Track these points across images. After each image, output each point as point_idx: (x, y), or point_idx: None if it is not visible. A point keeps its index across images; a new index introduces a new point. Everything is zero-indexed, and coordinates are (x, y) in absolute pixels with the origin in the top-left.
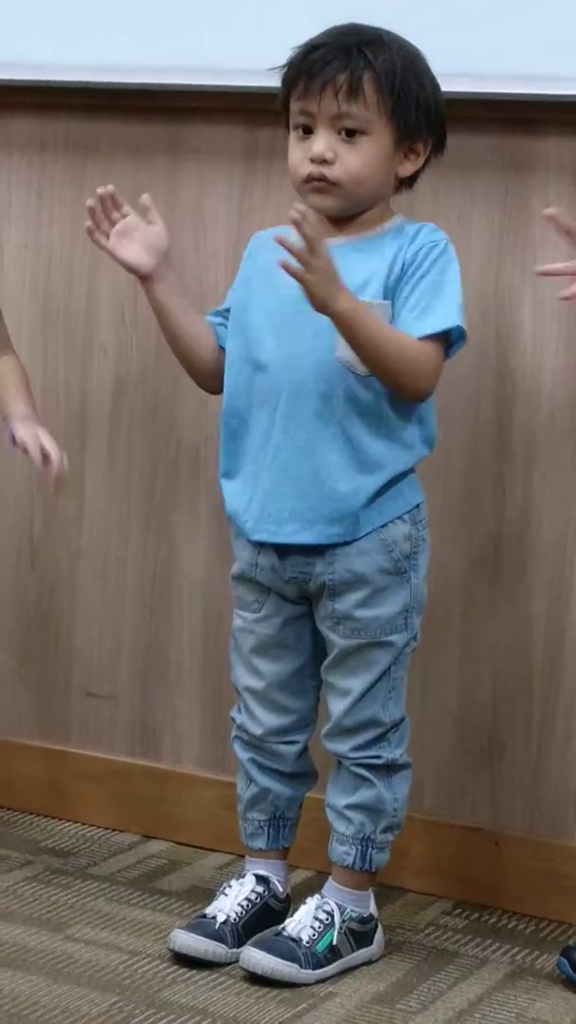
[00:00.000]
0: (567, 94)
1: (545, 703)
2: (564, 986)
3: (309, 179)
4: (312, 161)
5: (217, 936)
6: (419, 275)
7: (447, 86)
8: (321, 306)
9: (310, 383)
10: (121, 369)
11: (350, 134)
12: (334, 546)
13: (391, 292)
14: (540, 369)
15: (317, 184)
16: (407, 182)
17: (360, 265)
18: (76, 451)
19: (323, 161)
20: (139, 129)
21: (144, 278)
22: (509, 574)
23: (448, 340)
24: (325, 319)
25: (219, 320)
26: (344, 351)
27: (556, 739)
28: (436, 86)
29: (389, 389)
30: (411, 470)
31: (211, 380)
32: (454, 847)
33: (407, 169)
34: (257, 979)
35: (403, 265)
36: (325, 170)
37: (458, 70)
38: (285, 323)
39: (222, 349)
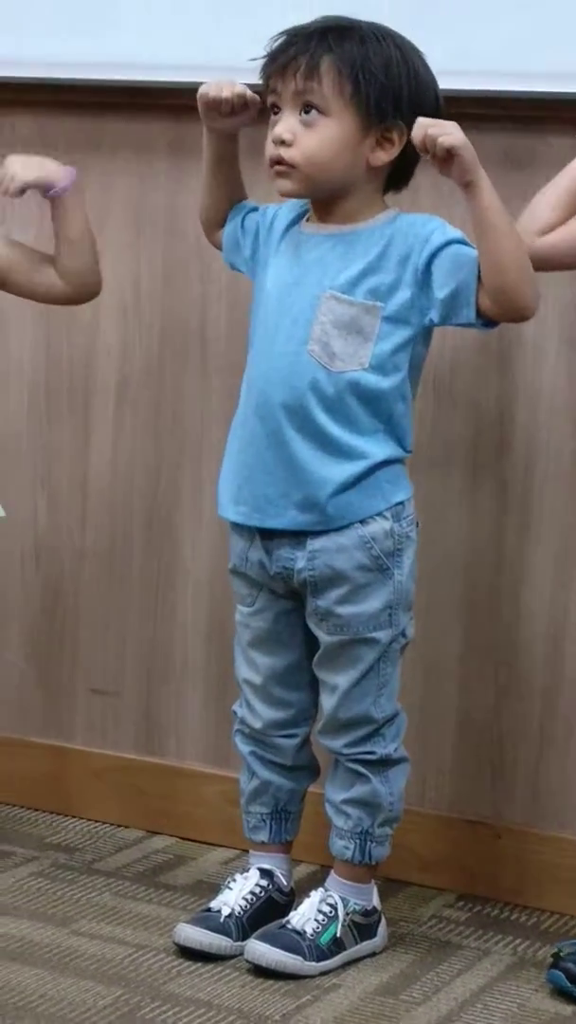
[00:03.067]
0: (572, 91)
1: (547, 697)
2: (562, 997)
3: (272, 163)
4: (274, 143)
5: (222, 929)
6: (443, 248)
7: (454, 84)
8: (473, 168)
9: (283, 372)
10: (125, 368)
11: (308, 111)
12: (314, 538)
13: (385, 295)
14: (541, 365)
15: (278, 168)
16: (397, 178)
17: (343, 260)
18: (80, 449)
19: (282, 143)
20: (142, 127)
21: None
22: (511, 569)
23: None
24: (303, 310)
25: (243, 210)
26: (315, 344)
27: (558, 733)
28: (414, 75)
29: (506, 295)
30: (392, 466)
31: (210, 229)
32: (457, 840)
33: (379, 158)
34: (262, 971)
35: (419, 262)
36: (283, 152)
37: (464, 67)
38: (269, 311)
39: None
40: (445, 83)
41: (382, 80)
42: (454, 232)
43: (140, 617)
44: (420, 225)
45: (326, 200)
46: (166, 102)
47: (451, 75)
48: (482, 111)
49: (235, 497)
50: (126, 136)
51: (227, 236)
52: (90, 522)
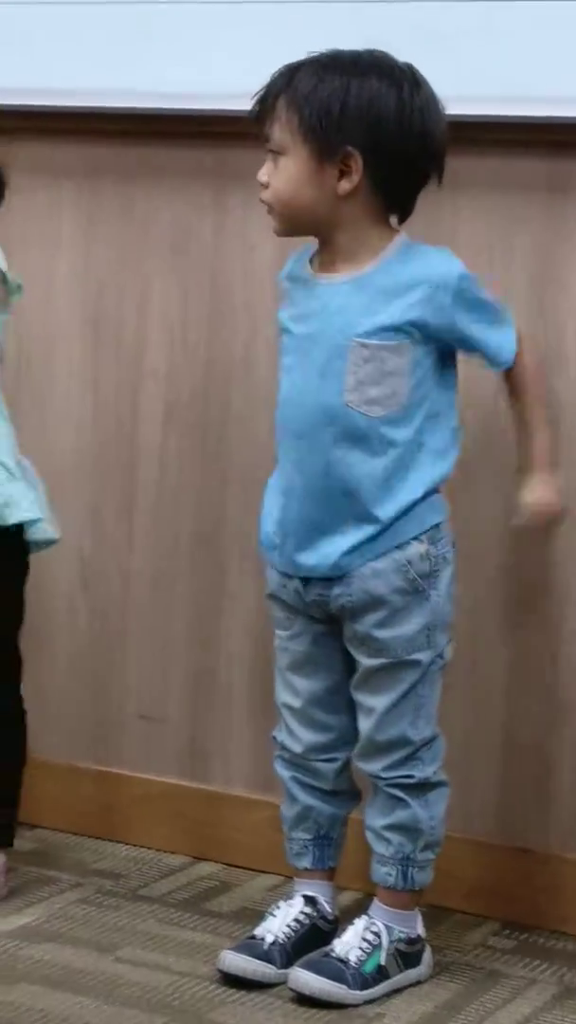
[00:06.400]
0: None
1: None
2: None
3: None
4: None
5: (266, 957)
6: (473, 311)
7: (491, 109)
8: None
9: (319, 425)
10: (171, 393)
11: (275, 156)
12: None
13: (411, 328)
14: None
15: (267, 209)
16: (394, 205)
17: (364, 304)
18: (127, 474)
19: (264, 186)
20: (187, 155)
21: None
22: (556, 593)
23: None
24: (331, 361)
25: None
26: (352, 394)
27: None
28: (374, 101)
29: None
30: (434, 494)
31: None
32: (502, 868)
33: (344, 187)
34: (305, 1000)
35: (446, 311)
36: (262, 194)
37: (501, 93)
38: (297, 361)
39: None
40: (488, 109)
41: (326, 108)
42: (478, 285)
43: (186, 643)
44: (451, 287)
45: (319, 237)
46: (211, 129)
47: (493, 101)
48: (523, 136)
49: (280, 548)
50: (172, 163)
51: None
52: (137, 547)
